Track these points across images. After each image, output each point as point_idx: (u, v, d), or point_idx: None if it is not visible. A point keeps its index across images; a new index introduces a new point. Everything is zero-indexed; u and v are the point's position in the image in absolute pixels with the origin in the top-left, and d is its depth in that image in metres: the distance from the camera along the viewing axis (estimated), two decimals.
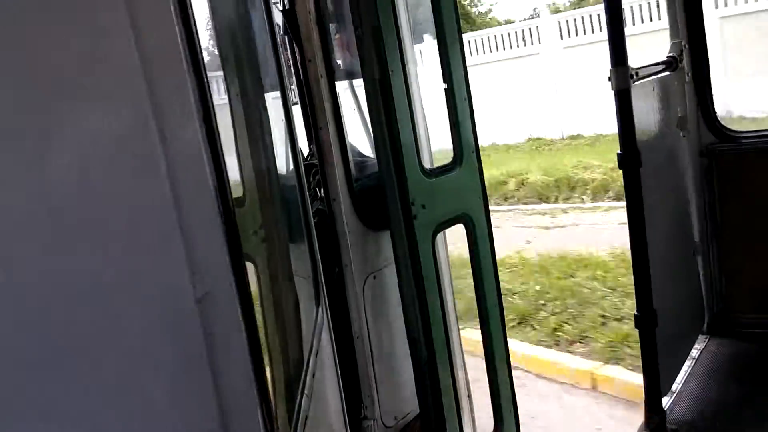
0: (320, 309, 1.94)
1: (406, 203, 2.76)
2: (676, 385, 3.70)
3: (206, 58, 1.84)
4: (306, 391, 1.51)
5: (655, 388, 3.33)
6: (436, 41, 3.01)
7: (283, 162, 2.33)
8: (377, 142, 2.82)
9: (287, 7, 3.09)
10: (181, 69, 0.93)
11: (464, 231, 3.13)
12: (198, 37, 1.01)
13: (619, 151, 3.29)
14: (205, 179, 0.95)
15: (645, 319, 3.28)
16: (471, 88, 3.12)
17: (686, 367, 3.89)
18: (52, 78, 0.78)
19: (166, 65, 0.91)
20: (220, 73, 1.86)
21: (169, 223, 0.88)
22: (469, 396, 3.49)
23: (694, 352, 4.06)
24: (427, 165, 3.11)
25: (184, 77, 0.93)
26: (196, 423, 0.91)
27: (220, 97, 1.97)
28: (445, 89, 3.06)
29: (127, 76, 0.85)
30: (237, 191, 1.87)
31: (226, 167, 1.02)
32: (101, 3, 0.85)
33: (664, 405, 3.42)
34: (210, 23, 1.89)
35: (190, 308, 0.89)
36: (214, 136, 0.98)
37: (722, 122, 4.23)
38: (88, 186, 0.80)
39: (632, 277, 3.36)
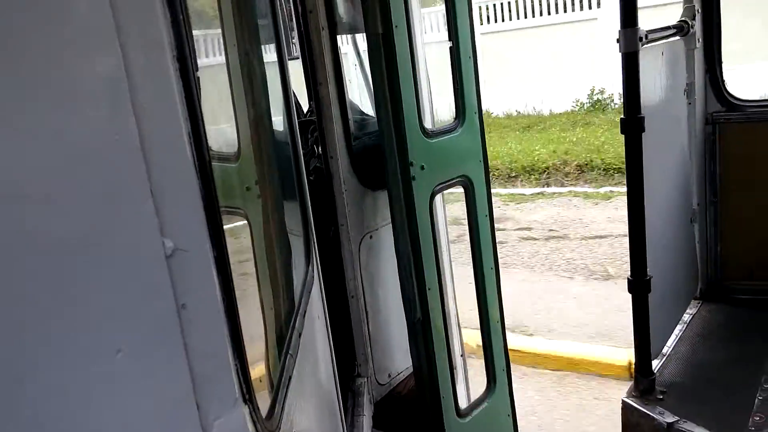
0: (310, 268, 1.92)
1: (405, 163, 2.72)
2: (667, 348, 3.74)
3: (198, 6, 1.79)
4: (291, 351, 1.48)
5: (645, 351, 3.36)
6: None
7: (280, 117, 2.29)
8: (377, 100, 2.76)
9: None
10: (153, 7, 0.85)
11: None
12: None
13: (622, 116, 3.23)
14: (177, 125, 0.87)
15: (638, 285, 3.28)
16: (476, 46, 3.05)
17: (677, 330, 3.94)
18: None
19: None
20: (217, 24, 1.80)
21: (137, 173, 0.81)
22: (463, 355, 3.52)
23: (686, 317, 4.10)
24: (428, 125, 3.06)
25: (156, 17, 0.85)
26: (166, 387, 0.87)
27: (214, 48, 1.92)
28: (450, 47, 2.99)
29: (94, 12, 0.78)
30: (232, 146, 1.83)
31: (201, 114, 0.94)
32: None
33: (653, 367, 3.46)
34: None
35: (159, 265, 0.84)
36: (189, 79, 0.90)
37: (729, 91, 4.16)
38: (44, 132, 0.74)
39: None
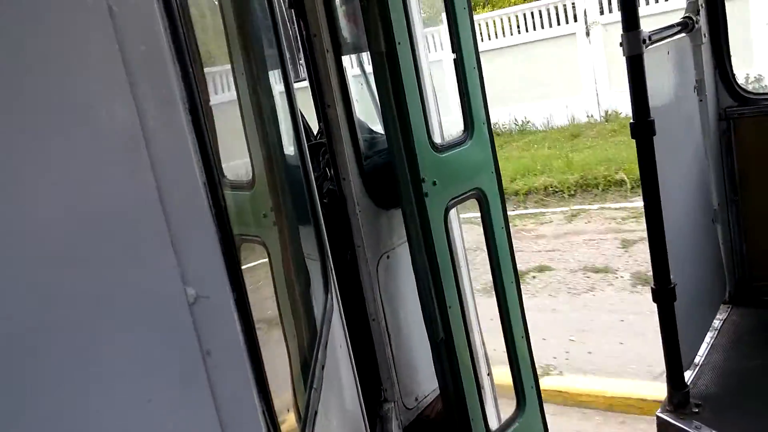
0: (329, 296, 1.89)
1: (417, 180, 2.69)
2: (699, 358, 3.63)
3: (205, 41, 1.77)
4: (314, 385, 1.47)
5: (676, 362, 3.26)
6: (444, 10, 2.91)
7: (290, 143, 2.27)
8: (385, 118, 2.74)
9: None
10: (164, 59, 0.87)
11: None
12: (183, 25, 0.93)
13: (631, 120, 3.18)
14: (193, 176, 0.89)
15: (663, 293, 3.20)
16: (480, 58, 3.02)
17: (708, 338, 3.82)
18: (18, 78, 0.74)
19: (148, 58, 0.85)
20: (225, 54, 1.79)
21: (157, 226, 0.83)
22: (490, 374, 3.45)
23: (716, 323, 3.98)
24: (437, 140, 3.02)
25: (168, 72, 0.87)
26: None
27: (224, 82, 1.90)
28: (454, 59, 2.97)
29: (106, 68, 0.80)
30: (246, 175, 1.81)
31: (216, 162, 0.97)
32: None
33: (686, 379, 3.36)
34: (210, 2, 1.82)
35: (183, 313, 0.85)
36: (202, 130, 0.92)
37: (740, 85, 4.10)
38: (67, 192, 0.76)
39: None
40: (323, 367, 1.53)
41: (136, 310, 0.81)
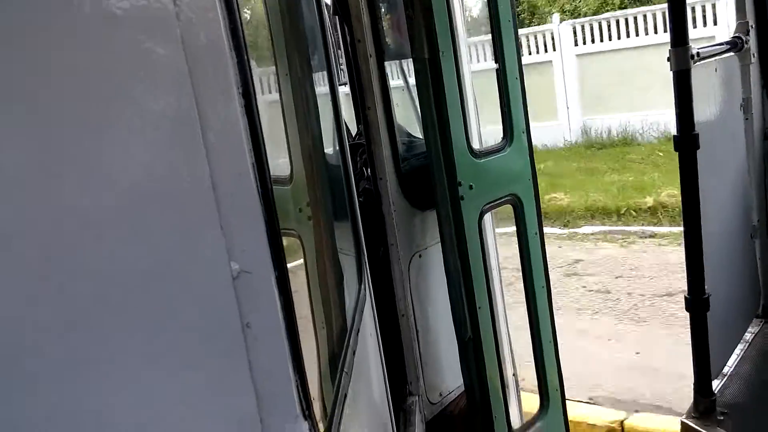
0: (362, 287, 1.97)
1: (454, 184, 2.76)
2: (727, 368, 3.61)
3: (252, 38, 1.89)
4: (345, 369, 1.52)
5: (705, 371, 3.26)
6: (488, 21, 2.98)
7: (330, 141, 2.37)
8: (425, 122, 2.82)
9: None
10: (222, 49, 0.92)
11: None
12: (240, 16, 1.00)
13: (675, 134, 3.19)
14: (243, 156, 0.94)
15: (696, 303, 3.20)
16: (523, 68, 3.08)
17: (738, 350, 3.79)
18: (94, 55, 0.79)
19: (206, 44, 0.91)
20: (269, 53, 1.89)
21: (206, 201, 0.88)
22: (515, 375, 3.49)
23: (748, 336, 3.95)
24: (476, 145, 3.09)
25: (225, 56, 0.93)
26: (232, 403, 0.92)
27: (269, 78, 2.01)
28: (497, 69, 3.03)
29: (167, 58, 0.85)
30: (285, 170, 1.91)
31: (265, 147, 1.02)
32: None
33: (714, 388, 3.35)
34: (259, 4, 1.93)
35: (227, 286, 0.89)
36: (253, 113, 0.97)
37: None
38: (123, 163, 0.81)
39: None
40: (354, 353, 1.60)
41: (183, 281, 0.86)
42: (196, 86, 0.87)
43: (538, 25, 17.23)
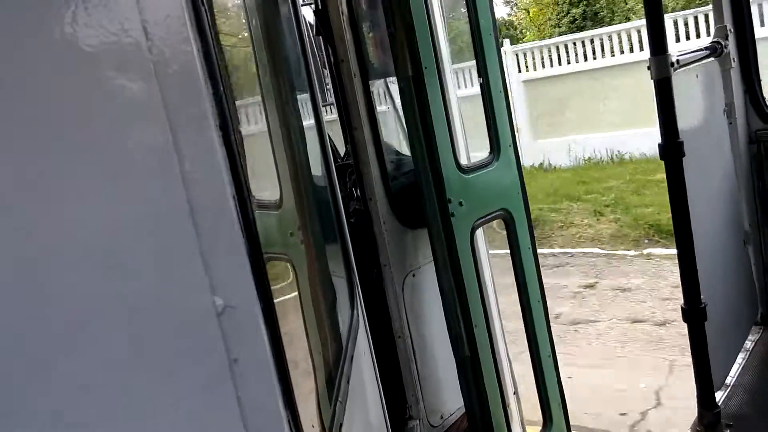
0: (355, 312, 1.93)
1: (443, 201, 2.74)
2: (730, 379, 3.57)
3: (234, 62, 1.86)
4: (340, 398, 1.49)
5: (707, 382, 3.23)
6: (470, 34, 2.98)
7: (317, 164, 2.34)
8: (412, 140, 2.80)
9: (320, 7, 3.10)
10: (195, 77, 0.91)
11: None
12: (215, 44, 0.99)
13: (660, 142, 3.19)
14: (222, 189, 0.93)
15: (693, 313, 3.17)
16: (506, 82, 3.08)
17: (740, 359, 3.76)
18: (68, 90, 0.78)
19: (181, 76, 0.89)
20: (254, 73, 1.87)
21: (187, 236, 0.86)
22: (516, 393, 3.44)
23: (748, 344, 3.92)
24: (463, 161, 3.08)
25: (200, 87, 0.91)
26: None
27: (254, 100, 1.99)
28: (481, 83, 3.03)
29: (141, 93, 0.84)
30: (274, 195, 1.88)
31: (245, 175, 1.01)
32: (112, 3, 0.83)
33: (717, 400, 3.31)
34: (242, 25, 1.91)
35: (211, 322, 0.87)
36: (231, 145, 0.96)
37: None
38: (102, 204, 0.79)
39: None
40: (348, 381, 1.56)
41: (165, 317, 0.83)
42: (172, 120, 0.85)
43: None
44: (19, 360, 0.71)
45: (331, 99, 3.32)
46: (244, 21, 1.83)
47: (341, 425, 1.39)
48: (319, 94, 2.20)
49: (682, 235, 3.17)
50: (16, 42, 0.73)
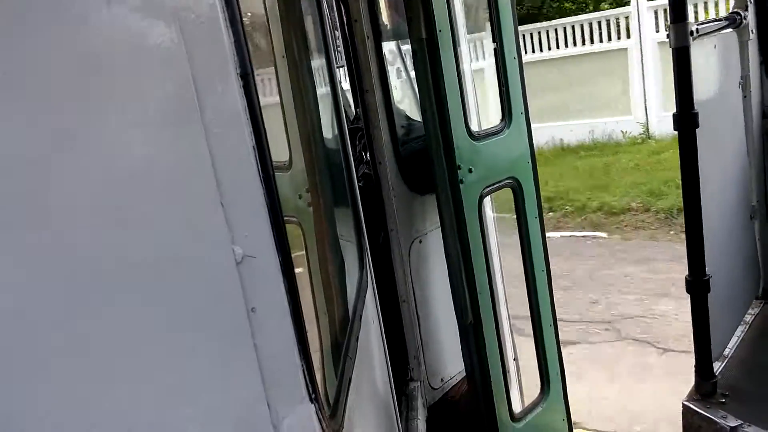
0: (364, 272, 1.94)
1: (453, 167, 2.73)
2: (728, 350, 3.61)
3: (248, 20, 1.84)
4: (349, 354, 1.52)
5: (706, 353, 3.26)
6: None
7: (329, 126, 2.32)
8: (423, 104, 2.78)
9: None
10: (217, 26, 0.90)
11: None
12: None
13: (675, 111, 3.16)
14: (244, 140, 0.93)
15: (697, 284, 3.19)
16: (521, 48, 3.04)
17: (739, 332, 3.79)
18: (87, 37, 0.77)
19: (203, 23, 0.88)
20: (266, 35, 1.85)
21: (208, 187, 0.87)
22: (516, 359, 3.49)
23: (748, 317, 3.94)
24: (474, 128, 3.05)
25: (221, 34, 0.90)
26: (239, 387, 0.91)
27: (264, 60, 1.97)
28: (495, 48, 2.98)
29: (163, 36, 0.83)
30: (284, 155, 1.87)
31: (265, 129, 1.00)
32: None
33: (715, 370, 3.35)
34: None
35: (231, 271, 0.88)
36: (252, 95, 0.95)
37: None
38: (125, 154, 0.80)
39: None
40: (357, 339, 1.58)
41: (187, 267, 0.84)
42: (194, 67, 0.85)
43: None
44: (43, 313, 0.72)
45: (342, 61, 3.28)
46: None
47: (350, 380, 1.42)
48: (333, 55, 2.17)
49: (691, 206, 3.16)
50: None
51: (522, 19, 16.21)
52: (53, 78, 0.74)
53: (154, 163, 0.82)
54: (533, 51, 14.96)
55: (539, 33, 15.09)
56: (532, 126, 3.17)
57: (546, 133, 13.90)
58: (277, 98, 1.86)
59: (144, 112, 0.81)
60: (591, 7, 17.39)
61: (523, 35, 14.63)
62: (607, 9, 15.45)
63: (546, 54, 15.04)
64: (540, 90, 12.94)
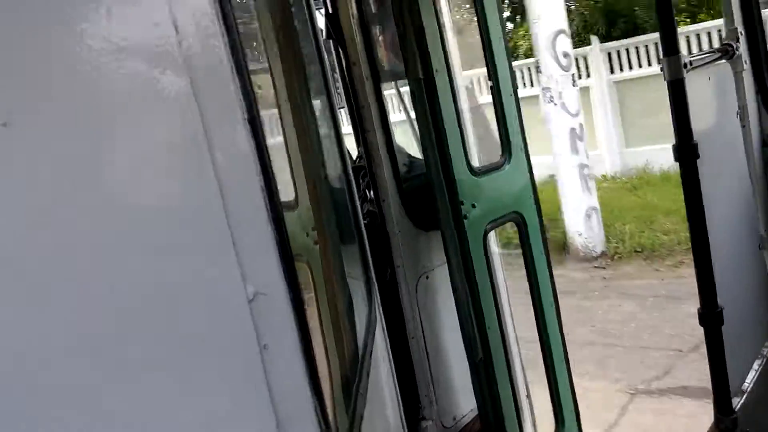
0: (373, 309, 1.94)
1: (456, 203, 2.74)
2: (747, 385, 3.53)
3: (251, 65, 1.88)
4: (361, 391, 1.50)
5: (724, 388, 3.19)
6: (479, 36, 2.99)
7: (332, 165, 2.35)
8: (424, 142, 2.81)
9: (330, 11, 3.12)
10: (224, 71, 0.93)
11: None
12: (240, 40, 1.01)
13: (674, 143, 3.19)
14: (253, 180, 0.95)
15: (710, 317, 3.15)
16: (516, 84, 3.09)
17: (756, 365, 3.71)
18: (102, 85, 0.80)
19: (210, 69, 0.92)
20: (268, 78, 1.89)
21: (219, 226, 0.88)
22: (529, 396, 3.42)
23: (765, 350, 3.88)
24: (475, 163, 3.08)
25: (228, 81, 0.94)
26: (252, 425, 0.91)
27: (267, 104, 2.01)
28: (491, 86, 3.04)
29: (172, 83, 0.86)
30: (289, 194, 1.89)
31: (272, 168, 1.02)
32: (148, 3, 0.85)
33: (734, 406, 3.28)
34: (256, 30, 1.93)
35: (243, 308, 0.89)
36: (259, 138, 0.98)
37: None
38: (136, 196, 0.82)
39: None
40: (368, 375, 1.57)
41: (200, 305, 0.85)
42: (203, 111, 0.88)
43: None
44: (55, 344, 0.72)
45: (342, 102, 3.33)
46: (259, 21, 1.85)
47: (362, 417, 1.40)
48: (335, 96, 2.21)
49: (698, 237, 3.15)
50: (57, 38, 0.76)
51: (627, 33, 15.69)
52: (63, 126, 0.76)
53: (166, 204, 0.84)
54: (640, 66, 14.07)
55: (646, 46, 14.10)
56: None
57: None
58: (282, 140, 1.89)
59: (156, 154, 0.84)
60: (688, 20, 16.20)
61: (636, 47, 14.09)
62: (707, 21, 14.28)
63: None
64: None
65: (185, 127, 0.87)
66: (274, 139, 1.91)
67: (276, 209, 0.99)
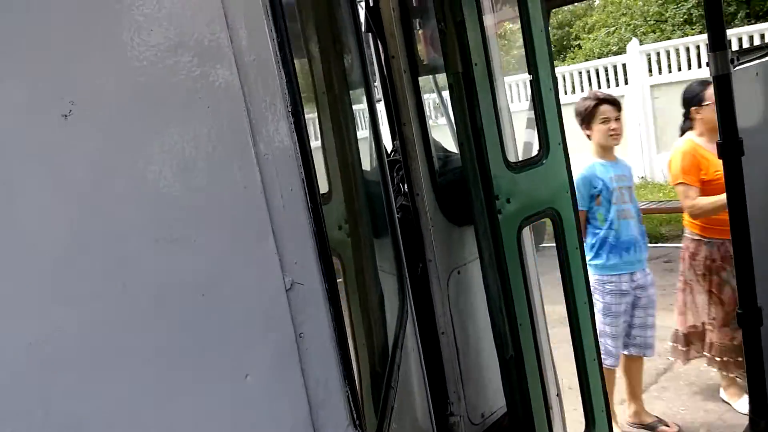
0: (405, 303, 1.95)
1: (490, 198, 2.72)
2: None
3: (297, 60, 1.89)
4: (392, 384, 1.52)
5: (760, 389, 3.12)
6: (520, 31, 2.96)
7: (367, 158, 2.36)
8: (460, 136, 2.80)
9: (371, 4, 3.12)
10: (271, 66, 0.96)
11: None
12: (288, 35, 1.03)
13: (719, 140, 3.12)
14: (294, 174, 0.97)
15: (749, 317, 3.08)
16: (557, 79, 3.05)
17: None
18: (148, 80, 0.83)
19: (258, 64, 0.94)
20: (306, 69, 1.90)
21: (260, 216, 0.91)
22: (559, 395, 3.39)
23: None
24: (512, 158, 3.05)
25: (274, 75, 0.96)
26: (286, 410, 0.93)
27: (306, 96, 2.02)
28: (530, 80, 3.00)
29: (221, 76, 0.88)
30: (323, 187, 1.91)
31: (313, 162, 1.04)
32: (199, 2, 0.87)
33: None
34: (297, 21, 1.94)
35: (281, 297, 0.91)
36: (302, 131, 1.00)
37: None
38: (184, 184, 0.84)
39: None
40: (399, 368, 1.59)
41: (239, 293, 0.88)
42: (249, 105, 0.91)
43: None
44: (99, 331, 0.75)
45: (379, 95, 3.33)
46: (302, 14, 1.86)
47: (392, 409, 1.42)
48: (374, 89, 2.22)
49: (739, 235, 3.08)
50: (115, 34, 0.79)
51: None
52: (118, 117, 0.80)
53: (209, 192, 0.87)
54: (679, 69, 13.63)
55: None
56: None
57: None
58: (318, 132, 1.91)
59: (202, 144, 0.87)
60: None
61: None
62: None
63: None
64: None
65: (230, 117, 0.89)
66: (311, 132, 1.93)
67: (315, 201, 1.01)
